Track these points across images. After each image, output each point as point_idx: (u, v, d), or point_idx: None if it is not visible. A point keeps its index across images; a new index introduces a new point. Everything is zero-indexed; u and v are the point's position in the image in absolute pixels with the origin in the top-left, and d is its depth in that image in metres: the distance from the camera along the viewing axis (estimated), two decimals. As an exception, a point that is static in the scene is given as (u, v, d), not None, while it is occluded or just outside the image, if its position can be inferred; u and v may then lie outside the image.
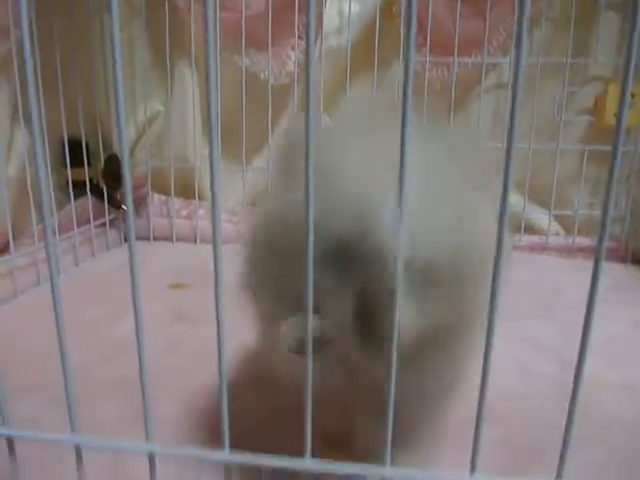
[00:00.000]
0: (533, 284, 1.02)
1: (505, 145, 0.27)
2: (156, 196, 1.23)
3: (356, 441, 0.49)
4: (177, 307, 0.86)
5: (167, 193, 1.23)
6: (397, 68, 1.14)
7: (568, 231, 1.20)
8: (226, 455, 0.38)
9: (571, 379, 0.31)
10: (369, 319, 0.34)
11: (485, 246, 0.33)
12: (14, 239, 0.89)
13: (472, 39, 1.09)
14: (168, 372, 0.63)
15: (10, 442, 0.40)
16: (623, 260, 1.15)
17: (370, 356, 0.35)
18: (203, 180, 1.23)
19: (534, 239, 1.19)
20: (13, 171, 0.95)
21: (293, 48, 1.17)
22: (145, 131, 1.22)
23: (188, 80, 1.21)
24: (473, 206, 0.37)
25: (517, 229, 1.18)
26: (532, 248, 1.18)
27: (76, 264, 1.02)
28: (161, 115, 1.25)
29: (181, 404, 0.61)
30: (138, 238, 1.23)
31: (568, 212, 1.17)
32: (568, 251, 1.18)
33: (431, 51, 1.10)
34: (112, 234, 1.16)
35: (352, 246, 0.34)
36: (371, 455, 0.43)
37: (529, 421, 0.59)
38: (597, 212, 1.16)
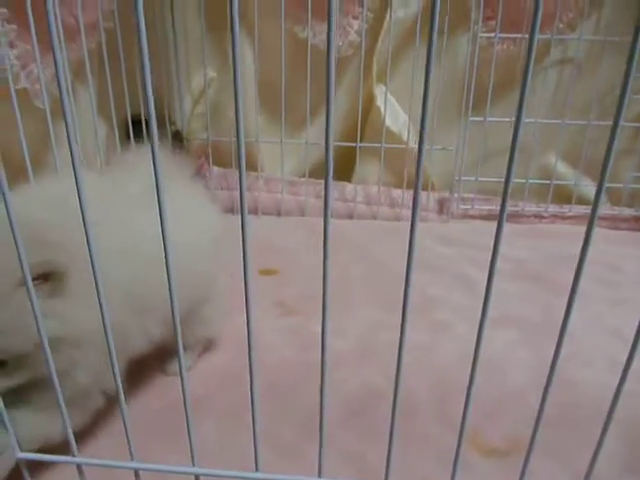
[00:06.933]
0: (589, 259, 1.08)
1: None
2: (215, 169, 1.23)
3: None
4: (277, 298, 0.90)
5: (226, 165, 1.23)
6: (463, 41, 1.14)
7: (614, 202, 1.26)
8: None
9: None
10: None
11: None
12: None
13: (542, 15, 1.08)
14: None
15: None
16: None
17: None
18: (260, 151, 1.23)
19: (580, 209, 1.25)
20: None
21: (355, 17, 1.14)
22: (200, 100, 1.20)
23: (244, 48, 1.17)
24: None
25: (567, 200, 1.24)
26: (579, 218, 1.25)
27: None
28: (214, 82, 1.23)
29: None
30: (200, 211, 1.24)
31: (617, 185, 1.23)
32: (612, 220, 1.25)
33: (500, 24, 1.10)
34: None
35: None
36: None
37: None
38: (644, 185, 1.22)
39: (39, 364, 0.41)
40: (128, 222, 0.56)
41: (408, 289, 0.37)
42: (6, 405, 0.44)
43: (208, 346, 0.77)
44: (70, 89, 0.74)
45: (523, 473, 0.44)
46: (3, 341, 0.45)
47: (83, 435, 0.59)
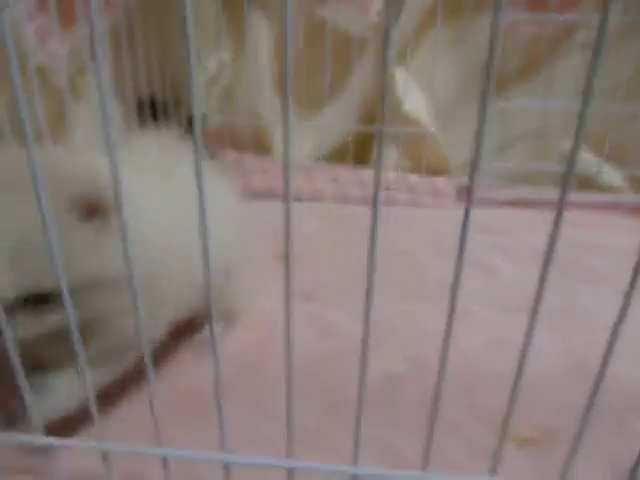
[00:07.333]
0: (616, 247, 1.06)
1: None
2: (231, 153, 1.21)
3: None
4: (296, 284, 0.88)
5: (241, 149, 1.21)
6: (482, 22, 1.11)
7: (635, 190, 1.24)
8: None
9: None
10: None
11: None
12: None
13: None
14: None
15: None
16: None
17: None
18: (274, 136, 1.21)
19: (602, 197, 1.22)
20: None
21: (376, -4, 1.11)
22: (214, 83, 1.18)
23: (261, 29, 1.15)
24: None
25: (589, 187, 1.21)
26: (602, 207, 1.22)
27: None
28: (228, 65, 1.20)
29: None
30: (214, 196, 1.23)
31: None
32: (634, 209, 1.22)
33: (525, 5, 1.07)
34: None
35: None
36: None
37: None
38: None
39: (83, 305, 0.41)
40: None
41: (457, 286, 0.35)
42: (38, 368, 0.43)
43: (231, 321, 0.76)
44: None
45: (569, 463, 0.42)
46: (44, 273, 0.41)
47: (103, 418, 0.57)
